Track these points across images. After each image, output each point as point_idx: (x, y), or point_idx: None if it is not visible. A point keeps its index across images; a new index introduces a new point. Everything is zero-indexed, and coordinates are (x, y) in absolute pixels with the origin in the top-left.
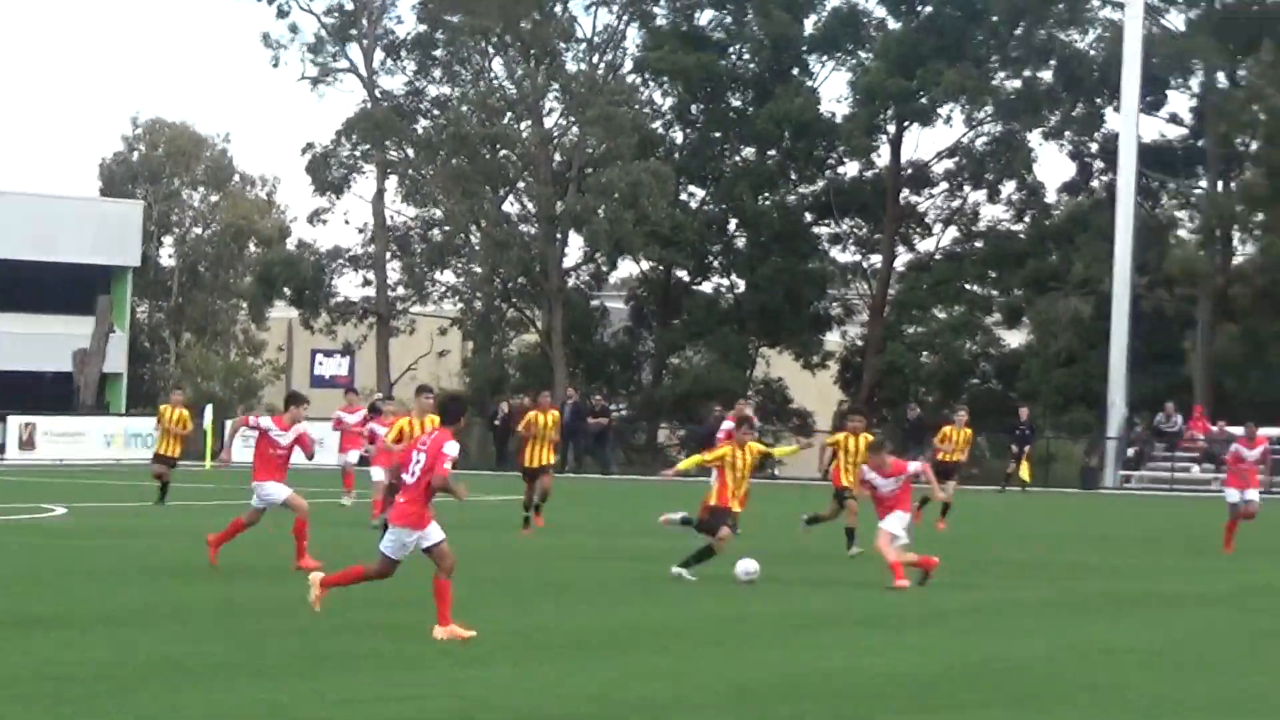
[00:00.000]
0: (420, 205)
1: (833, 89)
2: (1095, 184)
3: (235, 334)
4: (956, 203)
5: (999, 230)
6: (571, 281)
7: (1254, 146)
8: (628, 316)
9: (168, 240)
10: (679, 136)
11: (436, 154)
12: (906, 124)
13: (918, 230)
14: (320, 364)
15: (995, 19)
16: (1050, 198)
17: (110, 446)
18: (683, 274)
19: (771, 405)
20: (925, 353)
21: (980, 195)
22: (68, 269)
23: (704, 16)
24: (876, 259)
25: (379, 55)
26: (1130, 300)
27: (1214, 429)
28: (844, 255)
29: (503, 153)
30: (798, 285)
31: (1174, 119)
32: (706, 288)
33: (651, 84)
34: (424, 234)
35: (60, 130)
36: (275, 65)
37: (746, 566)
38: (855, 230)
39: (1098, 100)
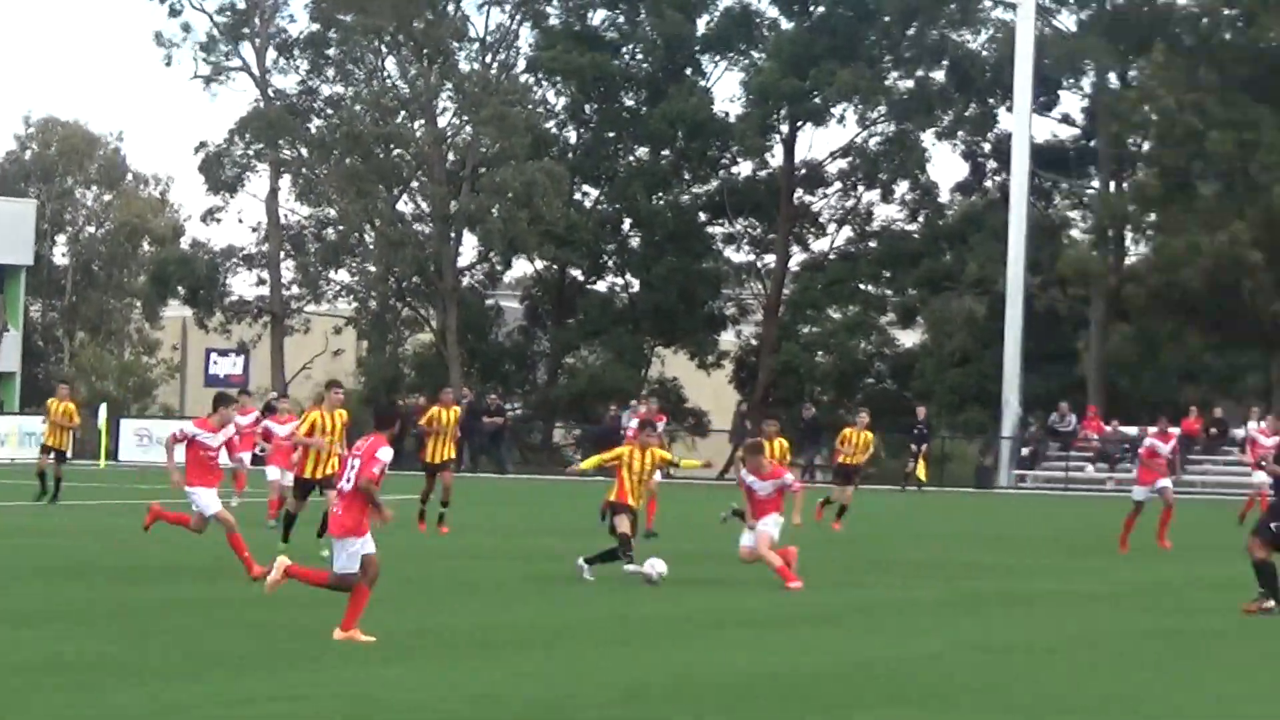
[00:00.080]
0: (314, 204)
1: (726, 89)
2: (988, 184)
3: (129, 333)
4: (850, 202)
5: (893, 230)
6: (466, 281)
7: (1146, 147)
8: (522, 316)
9: (61, 239)
10: (572, 136)
11: (330, 153)
12: (800, 124)
13: (812, 230)
14: (215, 363)
15: (887, 19)
16: (944, 198)
17: (4, 446)
18: (577, 273)
19: (666, 405)
20: (820, 352)
21: (874, 195)
22: None
23: (597, 16)
24: (771, 259)
25: (271, 54)
26: (1024, 300)
27: (1108, 429)
28: (738, 255)
29: (396, 152)
30: (692, 285)
31: (1066, 119)
32: (601, 287)
33: (545, 83)
34: (318, 233)
35: None
36: (168, 64)
37: (656, 566)
38: (749, 230)
39: (990, 100)
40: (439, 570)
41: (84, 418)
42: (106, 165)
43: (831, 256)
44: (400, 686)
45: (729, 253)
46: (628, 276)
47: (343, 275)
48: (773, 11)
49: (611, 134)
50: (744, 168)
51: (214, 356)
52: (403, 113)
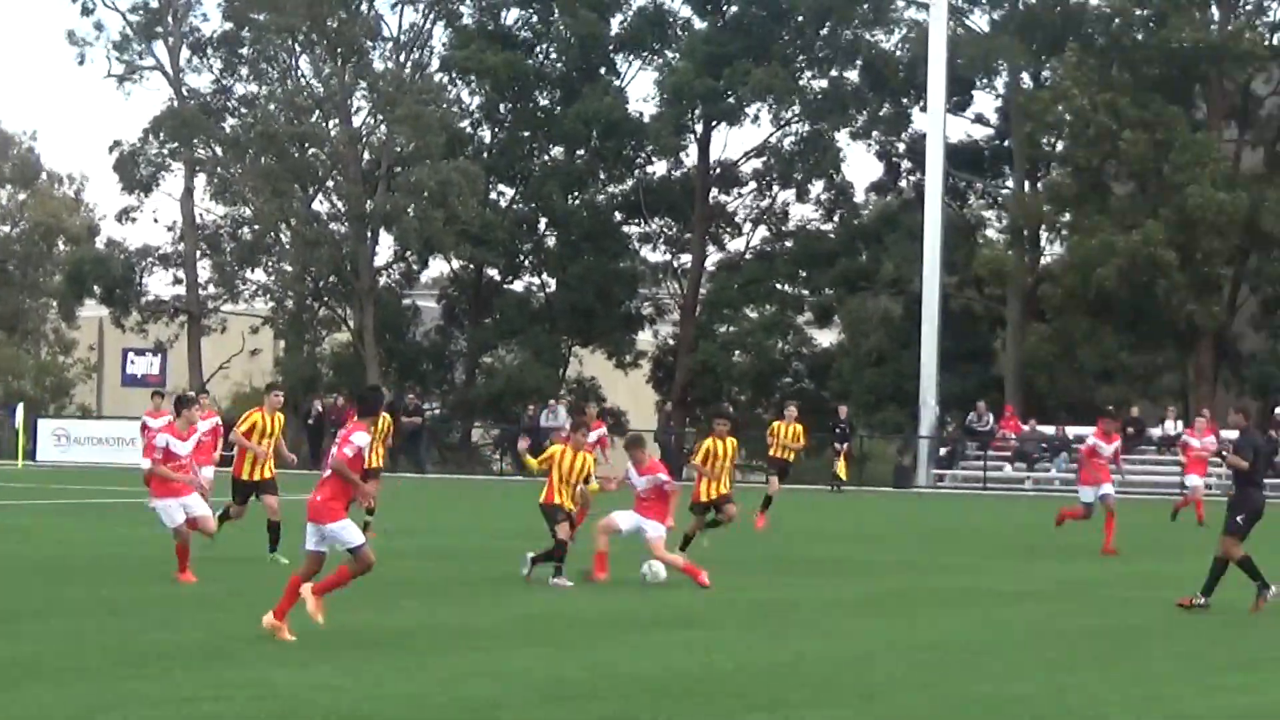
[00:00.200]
0: (229, 204)
1: (640, 88)
2: (903, 184)
3: (46, 333)
4: (766, 202)
5: (808, 230)
6: (382, 280)
7: (1060, 146)
8: (439, 315)
9: None
10: (487, 135)
11: (245, 152)
12: (714, 123)
13: (727, 230)
14: (132, 363)
15: (801, 19)
16: (859, 197)
17: None
18: (494, 273)
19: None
20: (737, 352)
21: (789, 195)
22: None
23: (510, 15)
24: (687, 258)
25: (185, 53)
26: (940, 300)
27: (1025, 428)
28: (654, 254)
29: (311, 151)
30: (609, 284)
31: (980, 119)
32: (518, 287)
33: (459, 83)
34: (234, 232)
35: None
36: (81, 63)
37: (655, 569)
38: (665, 230)
39: (904, 100)
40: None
41: (1, 418)
42: (20, 164)
43: (747, 256)
44: (326, 687)
45: (645, 252)
46: (544, 276)
47: (259, 275)
48: (686, 11)
49: (526, 133)
50: (659, 167)
51: (131, 356)
52: (317, 112)
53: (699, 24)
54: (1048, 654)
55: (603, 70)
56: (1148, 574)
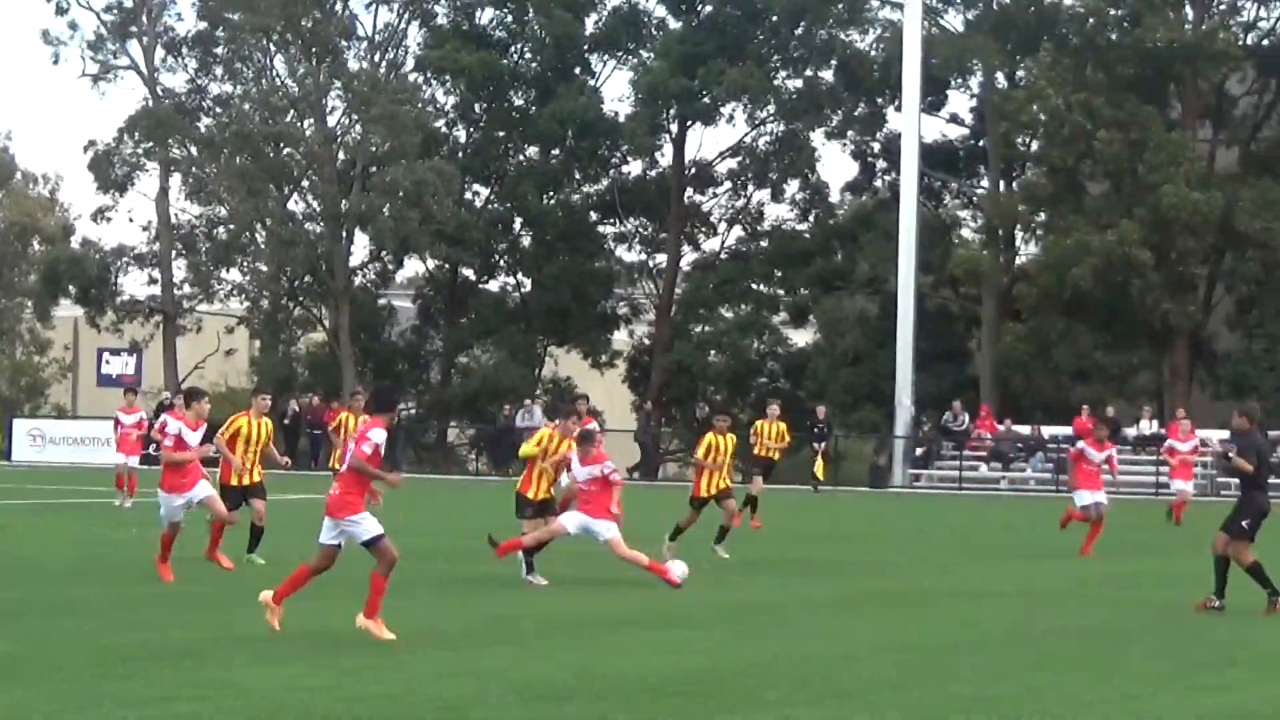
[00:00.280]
0: (205, 203)
1: (615, 88)
2: (878, 184)
3: (21, 332)
4: (741, 202)
5: (784, 230)
6: (358, 280)
7: (1034, 146)
8: (415, 315)
9: None
10: (462, 135)
11: (220, 152)
12: (689, 123)
13: (703, 229)
14: (107, 362)
15: (775, 18)
16: (834, 197)
17: None
18: (469, 273)
19: (561, 404)
20: (713, 352)
21: (764, 194)
22: None
23: (485, 15)
24: (662, 258)
25: (160, 53)
26: (915, 299)
27: (1001, 428)
28: (630, 254)
29: (286, 151)
30: (584, 284)
31: (955, 119)
32: (493, 286)
33: (434, 82)
34: (209, 232)
35: None
36: (55, 62)
37: (678, 568)
38: (641, 230)
39: (879, 100)
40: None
41: None
42: None
43: (723, 256)
44: (301, 687)
45: (621, 252)
46: (520, 276)
47: (234, 274)
48: (661, 11)
49: (501, 133)
50: (634, 167)
51: (106, 356)
52: (292, 111)
53: (674, 24)
54: (1024, 654)
55: (578, 70)
56: (1124, 574)
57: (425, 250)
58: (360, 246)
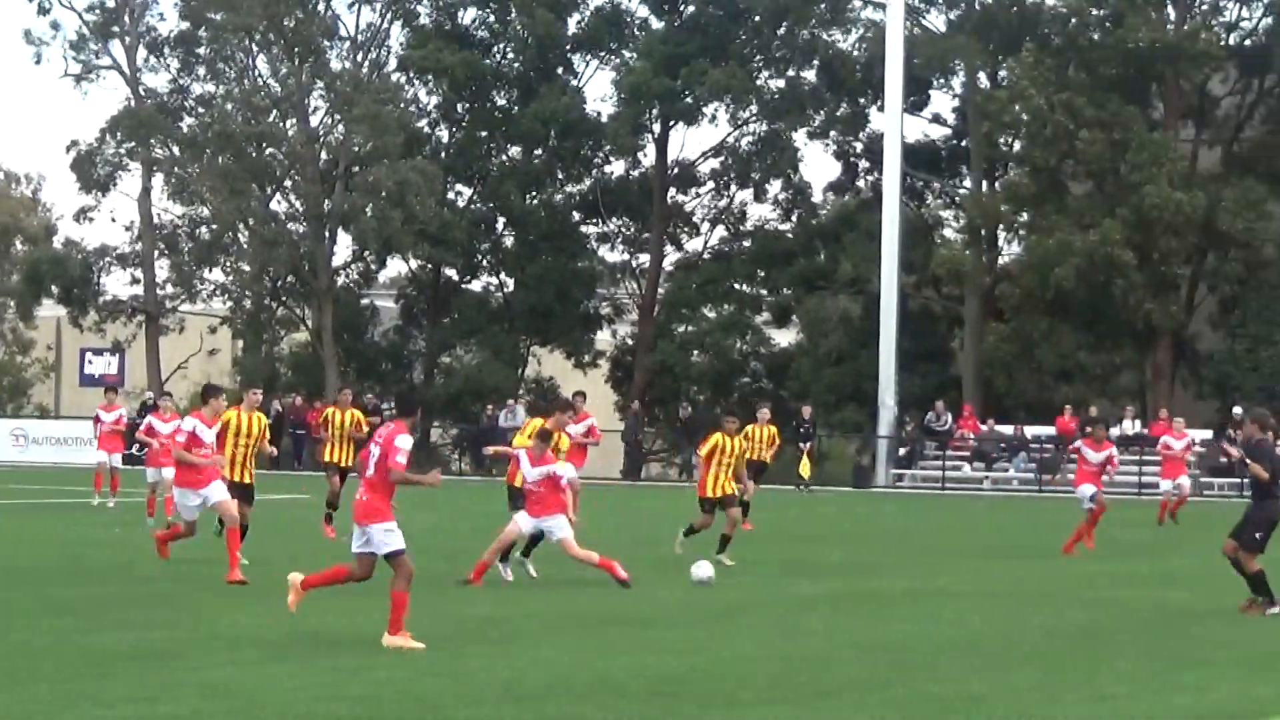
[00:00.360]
0: (187, 203)
1: (598, 88)
2: (861, 184)
3: (3, 332)
4: (723, 202)
5: (766, 230)
6: (341, 280)
7: (1017, 146)
8: (398, 315)
9: None
10: (445, 135)
11: (202, 152)
12: (672, 123)
13: (685, 229)
14: (90, 362)
15: (758, 19)
16: (817, 197)
17: None
18: (452, 273)
19: (543, 404)
20: (696, 352)
21: (747, 194)
22: None
23: (467, 15)
24: (645, 258)
25: (142, 53)
26: (898, 299)
27: (984, 428)
28: (613, 254)
29: (269, 151)
30: (567, 284)
31: (937, 119)
32: (476, 286)
33: (416, 82)
34: (192, 232)
35: None
36: (38, 62)
37: (705, 571)
38: (623, 230)
39: (861, 100)
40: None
41: None
42: None
43: (705, 256)
44: (282, 687)
45: (603, 252)
46: (502, 276)
47: (217, 274)
48: (643, 11)
49: (484, 133)
50: (617, 167)
51: (89, 356)
52: (274, 111)
53: (656, 24)
54: (1006, 654)
55: (560, 70)
56: (1105, 574)
57: (408, 250)
58: (343, 246)
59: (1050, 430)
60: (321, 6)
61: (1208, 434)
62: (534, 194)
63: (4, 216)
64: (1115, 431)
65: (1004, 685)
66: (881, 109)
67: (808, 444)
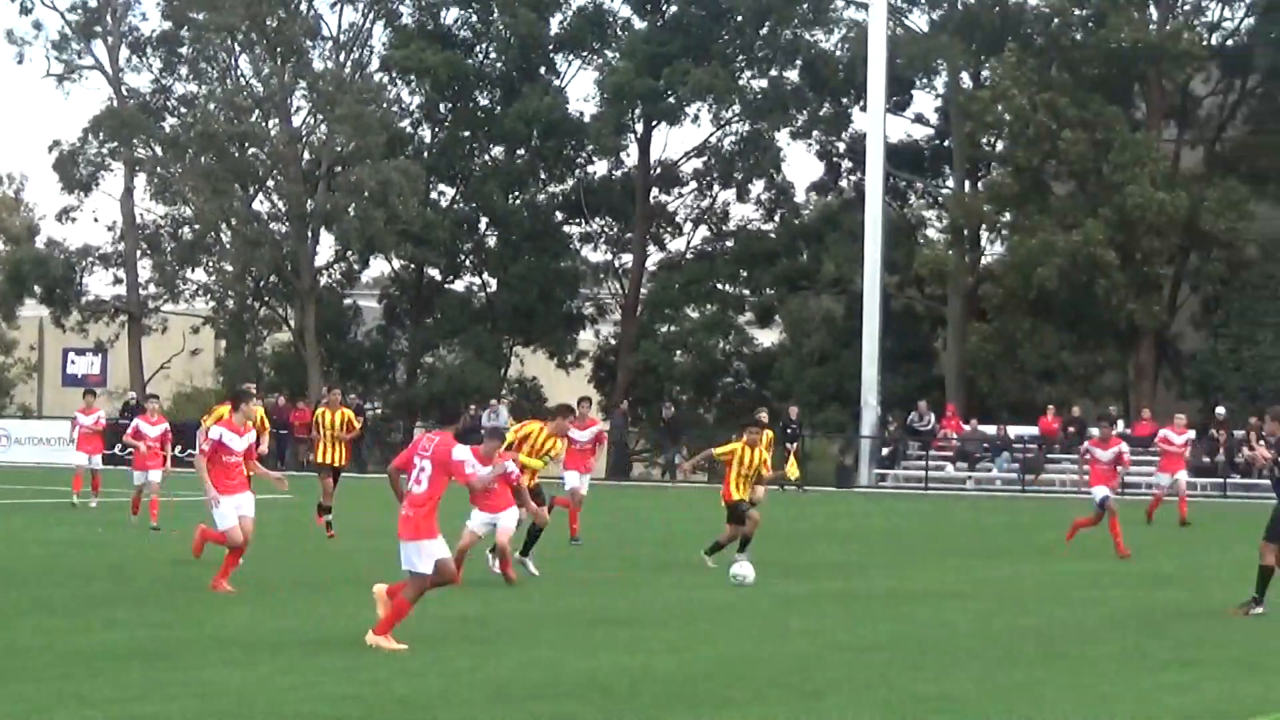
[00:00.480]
0: (170, 203)
1: (580, 88)
2: (844, 184)
3: None
4: (706, 202)
5: (749, 230)
6: (323, 280)
7: (1000, 146)
8: (381, 315)
9: None
10: (427, 135)
11: (185, 152)
12: (654, 123)
13: (668, 229)
14: (72, 363)
15: (740, 19)
16: (799, 197)
17: None
18: (434, 273)
19: (526, 404)
20: (679, 352)
21: (730, 194)
22: None
23: (450, 15)
24: (628, 258)
25: (124, 53)
26: (881, 299)
27: (967, 428)
28: (595, 254)
29: (251, 151)
30: (550, 284)
31: (920, 119)
32: (459, 286)
33: (399, 82)
34: (174, 232)
35: None
36: (20, 62)
37: (744, 571)
38: (606, 229)
39: (844, 100)
40: (306, 569)
41: None
42: None
43: (688, 256)
44: (269, 687)
45: (586, 252)
46: (485, 276)
47: (199, 275)
48: (625, 11)
49: (466, 133)
50: (599, 167)
51: (72, 356)
52: (257, 111)
53: (639, 24)
54: (991, 654)
55: (543, 70)
56: (1090, 574)
57: (391, 250)
58: (325, 246)
59: (1033, 430)
60: (304, 6)
61: (1190, 434)
62: (517, 194)
63: None
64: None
65: (990, 685)
66: (864, 109)
67: (794, 444)
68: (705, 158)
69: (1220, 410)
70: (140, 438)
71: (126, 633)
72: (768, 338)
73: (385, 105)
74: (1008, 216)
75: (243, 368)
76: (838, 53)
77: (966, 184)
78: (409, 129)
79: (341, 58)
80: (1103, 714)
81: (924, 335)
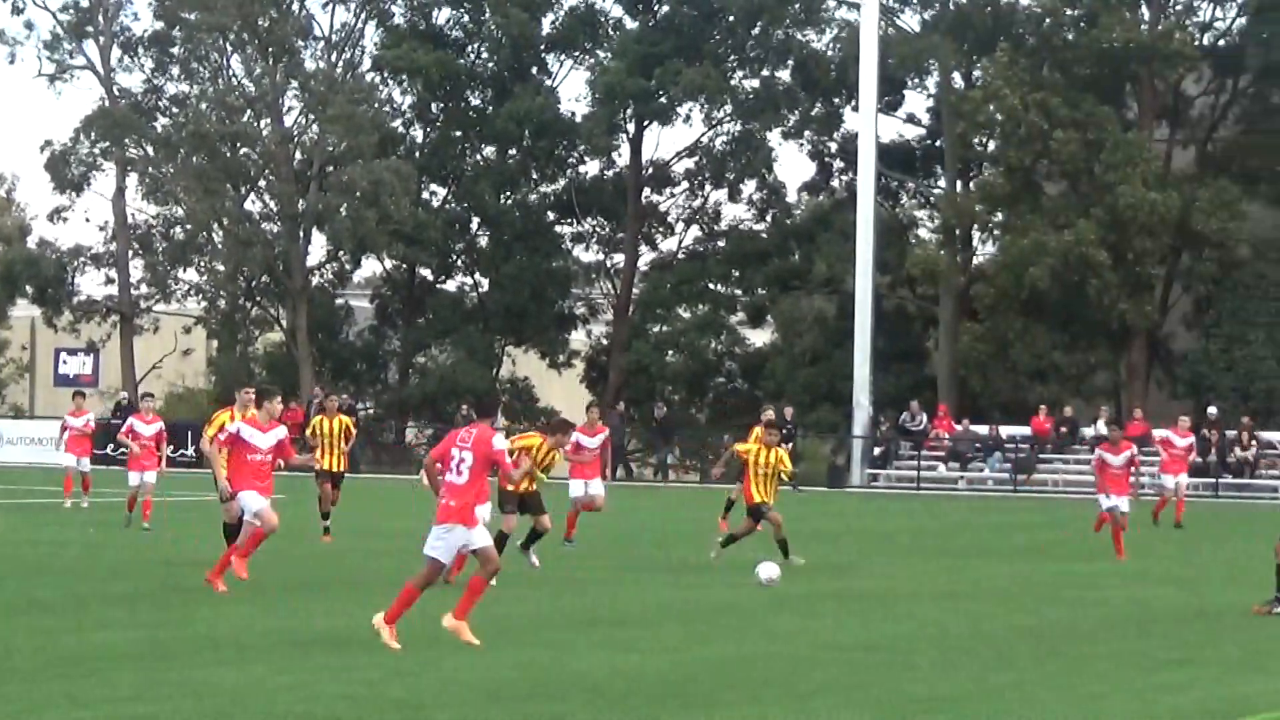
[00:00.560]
0: (161, 203)
1: (572, 88)
2: (835, 184)
3: None
4: (698, 202)
5: (741, 230)
6: (315, 280)
7: (991, 146)
8: (373, 315)
9: None
10: (419, 135)
11: (176, 152)
12: (646, 123)
13: (660, 229)
14: (64, 363)
15: (732, 19)
16: (791, 197)
17: None
18: (426, 273)
19: (518, 404)
20: (670, 352)
21: (721, 194)
22: None
23: (441, 15)
24: (620, 258)
25: (116, 52)
26: (873, 299)
27: (959, 428)
28: (587, 254)
29: (243, 151)
30: (542, 284)
31: (912, 119)
32: (451, 286)
33: (390, 82)
34: (166, 232)
35: None
36: (11, 62)
37: (769, 572)
38: (598, 229)
39: (836, 100)
40: (300, 570)
41: None
42: None
43: (680, 256)
44: (263, 686)
45: (578, 252)
46: (477, 276)
47: (191, 274)
48: (617, 11)
49: (458, 133)
50: (591, 167)
51: (63, 356)
52: (249, 111)
53: (630, 24)
54: (984, 654)
55: (534, 70)
56: (1084, 574)
57: (382, 250)
58: (317, 246)
59: (1025, 430)
60: (296, 6)
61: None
62: (508, 194)
63: None
64: (1089, 432)
65: (983, 685)
66: (856, 109)
67: (789, 444)
68: (697, 158)
69: (1212, 410)
70: (135, 437)
71: (119, 633)
72: (759, 338)
73: (377, 105)
74: (999, 216)
75: (235, 368)
76: (829, 53)
77: (958, 184)
78: (401, 129)
79: (333, 58)
80: (1096, 714)
81: (916, 335)
